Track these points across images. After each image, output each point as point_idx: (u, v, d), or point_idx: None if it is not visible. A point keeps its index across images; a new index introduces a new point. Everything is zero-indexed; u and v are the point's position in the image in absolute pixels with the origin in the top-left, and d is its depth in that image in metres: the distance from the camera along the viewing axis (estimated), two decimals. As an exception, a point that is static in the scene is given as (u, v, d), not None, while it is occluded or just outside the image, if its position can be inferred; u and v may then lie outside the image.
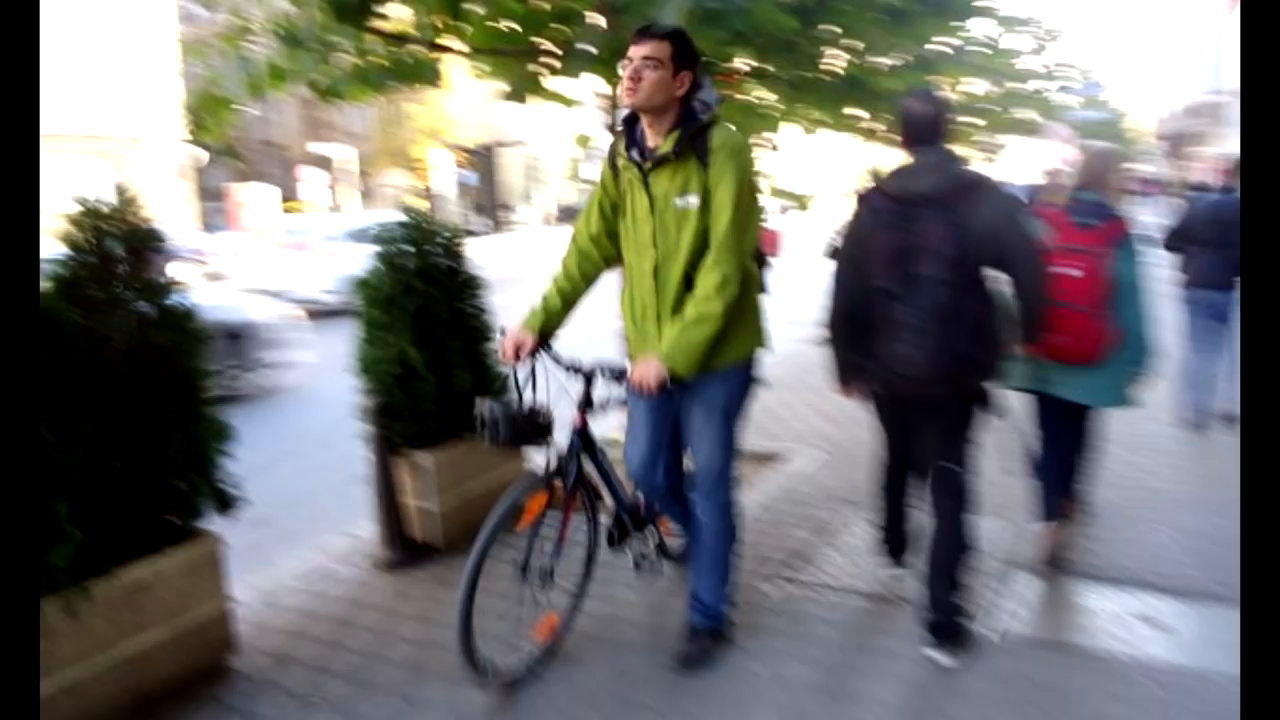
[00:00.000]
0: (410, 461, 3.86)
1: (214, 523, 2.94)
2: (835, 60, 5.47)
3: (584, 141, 6.02)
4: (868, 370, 2.91)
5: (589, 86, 5.41)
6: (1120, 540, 3.82)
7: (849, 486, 4.54)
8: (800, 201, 6.29)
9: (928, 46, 5.64)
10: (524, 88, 5.17)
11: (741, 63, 5.23)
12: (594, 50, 4.58)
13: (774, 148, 6.21)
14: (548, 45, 4.85)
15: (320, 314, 10.56)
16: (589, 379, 2.87)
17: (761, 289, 2.88)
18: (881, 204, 2.81)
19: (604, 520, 3.13)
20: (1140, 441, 5.11)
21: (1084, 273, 3.19)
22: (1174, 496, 4.37)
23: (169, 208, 21.16)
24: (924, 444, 2.98)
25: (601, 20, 4.59)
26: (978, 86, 7.51)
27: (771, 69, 5.22)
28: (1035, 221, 3.07)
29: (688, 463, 3.01)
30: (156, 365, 2.75)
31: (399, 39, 4.78)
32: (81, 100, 19.71)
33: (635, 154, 2.71)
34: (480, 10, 4.61)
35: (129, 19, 21.15)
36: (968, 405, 2.85)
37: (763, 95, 5.80)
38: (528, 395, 2.87)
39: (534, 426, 2.84)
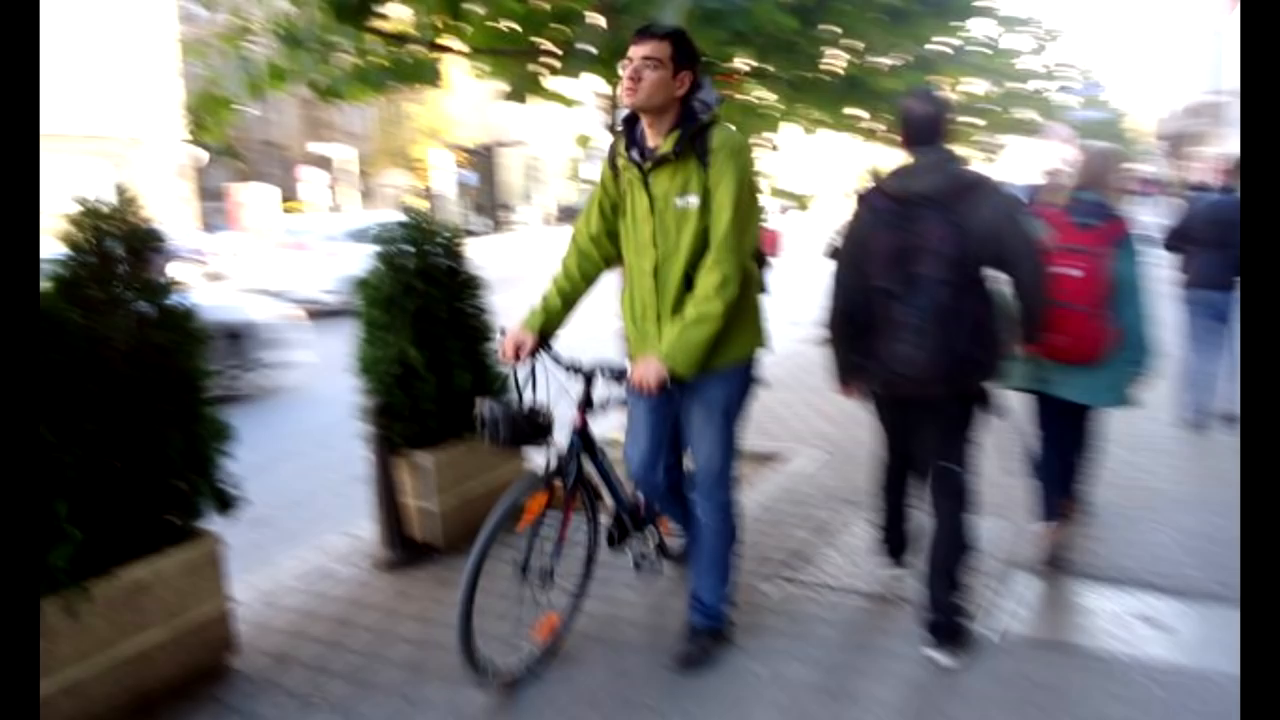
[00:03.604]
0: (410, 461, 3.86)
1: (214, 523, 2.94)
2: (835, 60, 5.47)
3: (584, 141, 6.02)
4: (868, 370, 2.91)
5: (589, 86, 5.41)
6: (1120, 540, 3.82)
7: (849, 486, 4.54)
8: (800, 201, 6.29)
9: (928, 46, 5.64)
10: (524, 88, 5.17)
11: (741, 63, 5.23)
12: (594, 50, 4.58)
13: (774, 148, 6.21)
14: (548, 45, 4.85)
15: (320, 314, 10.57)
16: (589, 379, 2.87)
17: (761, 289, 2.88)
18: (881, 204, 2.81)
19: (604, 520, 3.13)
20: (1140, 441, 5.11)
21: (1084, 273, 3.19)
22: (1174, 496, 4.36)
23: (169, 208, 21.19)
24: (924, 444, 2.98)
25: (601, 20, 4.59)
26: (978, 86, 7.49)
27: (771, 69, 5.22)
28: (1035, 221, 3.07)
29: (688, 463, 3.01)
30: (156, 365, 2.75)
31: (399, 39, 4.78)
32: (81, 100, 19.74)
33: (635, 154, 2.71)
34: (480, 10, 4.61)
35: (129, 19, 21.16)
36: (968, 405, 2.85)
37: (763, 95, 5.80)
38: (528, 395, 2.87)
39: (534, 426, 2.83)
